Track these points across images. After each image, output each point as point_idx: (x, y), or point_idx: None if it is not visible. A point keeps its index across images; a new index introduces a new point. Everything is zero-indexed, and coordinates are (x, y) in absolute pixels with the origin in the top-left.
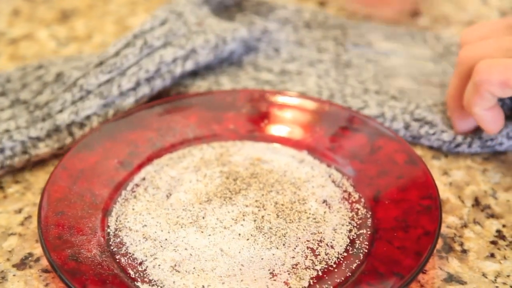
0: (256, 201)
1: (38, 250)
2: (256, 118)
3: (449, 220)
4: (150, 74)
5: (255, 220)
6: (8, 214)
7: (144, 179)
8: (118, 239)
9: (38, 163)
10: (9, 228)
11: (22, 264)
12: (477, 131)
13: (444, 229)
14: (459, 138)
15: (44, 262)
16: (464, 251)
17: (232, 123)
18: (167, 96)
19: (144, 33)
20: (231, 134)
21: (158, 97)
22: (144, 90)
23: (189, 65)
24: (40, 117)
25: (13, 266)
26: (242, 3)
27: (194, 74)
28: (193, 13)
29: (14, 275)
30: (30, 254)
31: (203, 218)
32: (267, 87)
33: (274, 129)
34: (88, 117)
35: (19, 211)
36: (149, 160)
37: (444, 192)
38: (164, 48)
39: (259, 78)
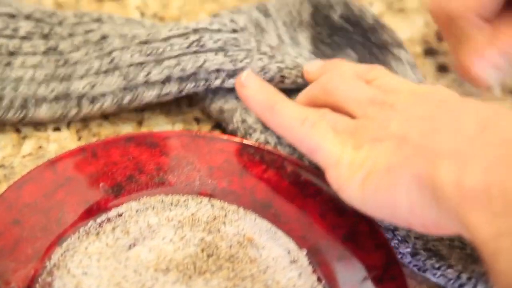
0: None
1: None
2: (283, 188)
3: None
4: (184, 74)
5: None
6: None
7: (120, 215)
8: (49, 279)
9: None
10: None
11: None
12: (483, 274)
13: None
14: (464, 277)
15: None
16: None
17: (252, 183)
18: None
19: (207, 31)
20: (246, 196)
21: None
22: (172, 88)
23: (231, 83)
24: (60, 76)
25: None
26: (359, 23)
27: (230, 90)
28: (277, 36)
29: None
30: None
31: None
32: None
33: (289, 208)
34: (103, 95)
35: None
36: (139, 190)
37: None
38: (214, 53)
39: None
